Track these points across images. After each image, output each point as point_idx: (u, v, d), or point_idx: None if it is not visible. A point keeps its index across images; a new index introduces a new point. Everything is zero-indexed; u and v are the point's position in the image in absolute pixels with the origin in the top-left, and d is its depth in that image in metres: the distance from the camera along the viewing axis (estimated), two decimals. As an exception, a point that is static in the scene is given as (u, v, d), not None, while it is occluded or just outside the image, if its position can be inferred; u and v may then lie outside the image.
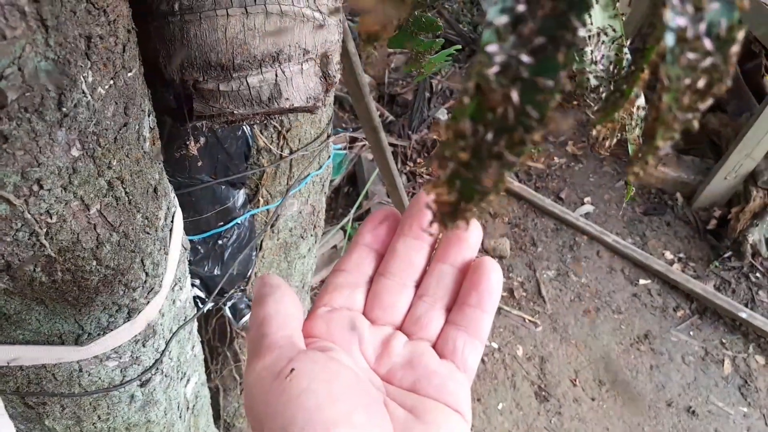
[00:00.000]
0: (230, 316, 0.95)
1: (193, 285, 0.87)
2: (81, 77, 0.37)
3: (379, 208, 2.14)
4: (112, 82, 0.41)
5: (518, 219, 2.27)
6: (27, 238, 0.40)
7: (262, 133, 0.84)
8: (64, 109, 0.36)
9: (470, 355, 0.34)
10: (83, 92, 0.37)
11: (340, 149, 2.20)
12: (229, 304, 0.95)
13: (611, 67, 0.30)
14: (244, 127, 0.81)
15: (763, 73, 2.53)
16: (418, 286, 0.36)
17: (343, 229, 1.99)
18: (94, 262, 0.45)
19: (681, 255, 2.21)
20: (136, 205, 0.47)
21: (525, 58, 0.16)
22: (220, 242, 0.86)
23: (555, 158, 2.55)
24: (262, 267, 1.01)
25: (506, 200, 2.30)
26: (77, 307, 0.47)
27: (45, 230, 0.40)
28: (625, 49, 0.30)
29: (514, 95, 0.16)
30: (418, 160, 2.35)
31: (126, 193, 0.45)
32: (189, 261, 0.83)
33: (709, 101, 0.18)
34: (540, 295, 2.03)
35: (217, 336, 1.09)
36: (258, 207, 0.91)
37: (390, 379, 0.33)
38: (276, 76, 0.55)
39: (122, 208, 0.45)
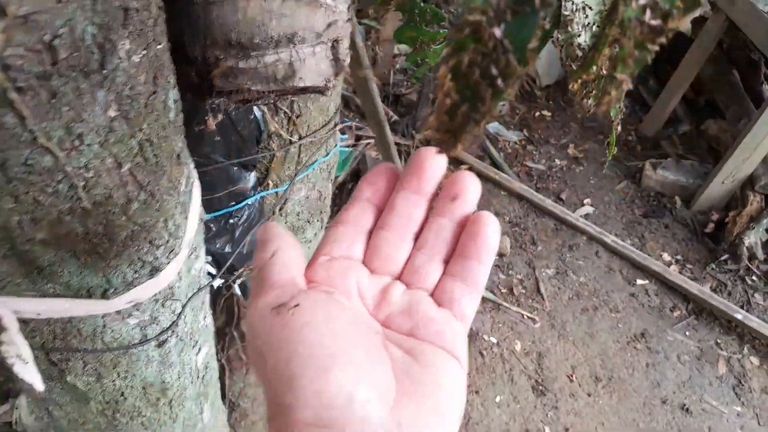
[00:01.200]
0: (240, 294, 0.99)
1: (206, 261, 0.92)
2: (120, 44, 0.41)
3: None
4: (144, 51, 0.45)
5: (519, 218, 2.31)
6: (66, 190, 0.44)
7: (273, 118, 0.89)
8: (105, 72, 0.40)
9: (467, 304, 0.35)
10: (120, 58, 0.42)
11: (345, 146, 2.24)
12: (238, 282, 0.99)
13: (594, 36, 0.35)
14: (255, 111, 0.85)
15: (762, 80, 2.56)
16: (416, 239, 0.36)
17: (346, 224, 2.03)
18: (124, 217, 0.49)
19: (679, 257, 2.24)
20: (162, 168, 0.51)
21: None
22: (231, 221, 0.91)
23: (556, 160, 2.59)
24: (269, 249, 1.05)
25: (507, 199, 2.33)
26: (107, 260, 0.51)
27: (83, 183, 0.45)
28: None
29: (498, 32, 0.20)
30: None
31: (154, 155, 0.49)
32: (201, 238, 0.88)
33: (659, 41, 0.22)
34: (539, 293, 2.07)
35: (225, 316, 1.13)
36: (267, 189, 0.95)
37: (388, 324, 0.34)
38: (291, 56, 0.59)
39: (150, 168, 0.49)
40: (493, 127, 2.64)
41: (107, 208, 0.48)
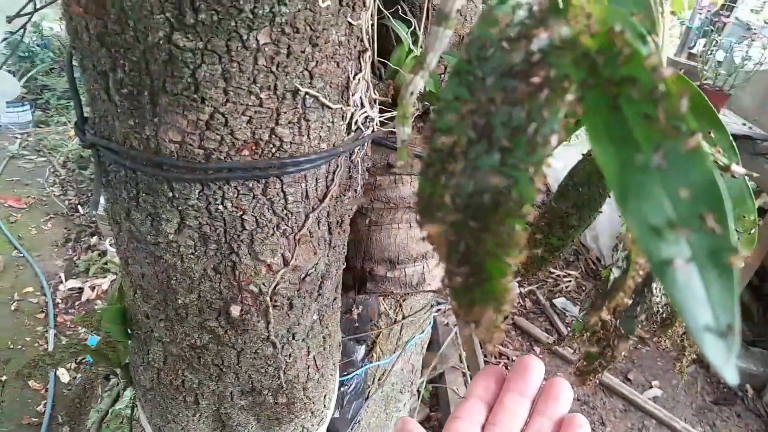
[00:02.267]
0: (339, 455, 1.10)
1: (314, 424, 1.04)
2: (330, 272, 0.59)
3: (452, 372, 2.26)
4: (337, 273, 0.63)
5: (587, 396, 2.32)
6: (273, 371, 0.61)
7: (384, 301, 1.06)
8: (320, 291, 0.58)
9: None
10: (328, 281, 0.60)
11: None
12: (339, 444, 1.10)
13: (665, 305, 0.50)
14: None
15: (828, 273, 2.61)
16: None
17: (417, 390, 2.11)
18: (302, 392, 0.64)
19: (754, 449, 2.18)
20: (331, 354, 0.67)
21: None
22: (342, 389, 1.04)
23: (622, 338, 2.64)
24: (365, 415, 1.17)
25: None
26: (281, 424, 0.66)
27: (284, 367, 0.61)
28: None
29: (615, 323, 0.36)
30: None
31: (330, 345, 0.66)
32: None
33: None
34: (608, 477, 2.03)
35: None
36: (372, 362, 1.10)
37: None
38: (423, 268, 0.77)
39: (325, 355, 0.66)
40: (561, 302, 2.74)
41: (293, 385, 0.63)
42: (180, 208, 0.47)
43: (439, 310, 2.26)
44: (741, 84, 3.00)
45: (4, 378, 2.03)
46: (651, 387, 2.42)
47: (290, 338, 0.59)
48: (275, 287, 0.52)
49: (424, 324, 1.18)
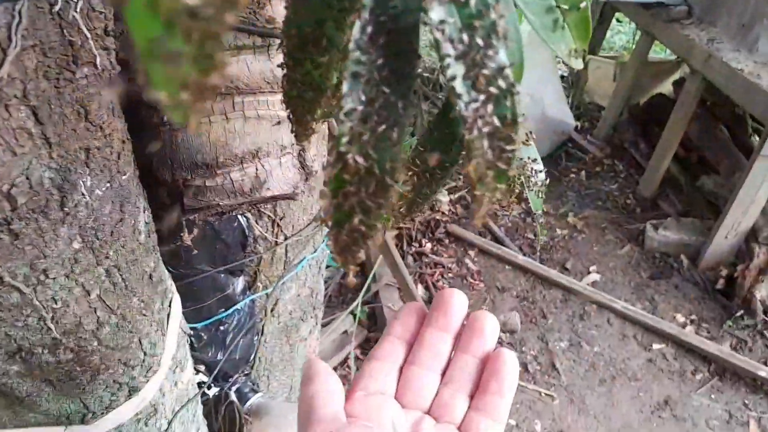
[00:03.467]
0: (236, 400, 0.98)
1: (198, 371, 0.92)
2: (81, 182, 0.44)
3: (387, 289, 2.18)
4: (108, 184, 0.48)
5: (526, 292, 2.29)
6: (36, 323, 0.46)
7: (257, 223, 0.91)
8: (66, 209, 0.43)
9: None
10: (82, 194, 0.45)
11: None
12: (234, 388, 0.98)
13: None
14: (239, 217, 0.88)
15: (750, 132, 2.60)
16: (443, 373, 0.39)
17: (352, 313, 2.03)
18: (95, 342, 0.51)
19: (693, 317, 2.20)
20: (132, 290, 0.53)
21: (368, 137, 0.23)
22: (221, 328, 0.91)
23: (557, 230, 2.60)
24: (264, 351, 1.05)
25: (512, 274, 2.33)
26: (81, 386, 0.52)
27: (51, 315, 0.46)
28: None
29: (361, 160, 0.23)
30: (423, 241, 2.41)
31: (123, 279, 0.51)
32: (192, 347, 0.88)
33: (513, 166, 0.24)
34: (554, 368, 2.02)
35: (227, 425, 1.11)
36: (257, 292, 0.97)
37: None
38: (256, 170, 0.62)
39: (120, 292, 0.51)
40: (491, 203, 2.67)
41: (78, 335, 0.49)
42: None
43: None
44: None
45: None
46: (589, 273, 2.40)
47: (41, 277, 0.44)
48: (-35, 208, 0.37)
49: (315, 242, 1.05)
